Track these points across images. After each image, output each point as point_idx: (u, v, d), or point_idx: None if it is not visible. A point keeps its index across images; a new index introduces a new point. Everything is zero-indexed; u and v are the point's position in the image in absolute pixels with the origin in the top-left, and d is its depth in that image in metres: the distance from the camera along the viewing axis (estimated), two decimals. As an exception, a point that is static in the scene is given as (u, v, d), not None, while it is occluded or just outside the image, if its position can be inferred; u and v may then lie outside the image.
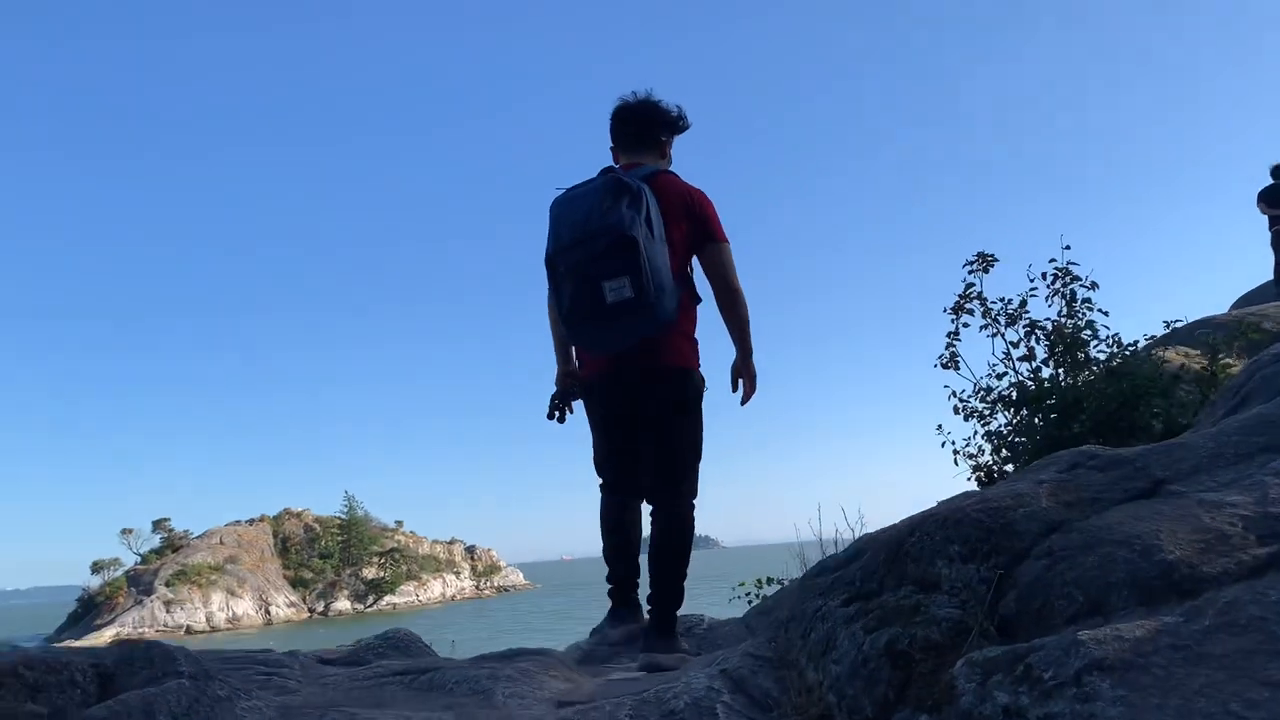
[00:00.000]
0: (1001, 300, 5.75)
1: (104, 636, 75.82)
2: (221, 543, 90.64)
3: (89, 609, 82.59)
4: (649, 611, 3.23)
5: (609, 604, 3.37)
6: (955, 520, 2.08)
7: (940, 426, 5.97)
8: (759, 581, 6.44)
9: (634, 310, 2.87)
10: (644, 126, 3.36)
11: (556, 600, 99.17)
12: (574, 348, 3.39)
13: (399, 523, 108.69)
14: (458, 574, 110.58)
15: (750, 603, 6.74)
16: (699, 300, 3.28)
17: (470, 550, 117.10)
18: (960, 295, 5.86)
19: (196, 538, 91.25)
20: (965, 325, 5.84)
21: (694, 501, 3.30)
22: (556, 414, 3.34)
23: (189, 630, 78.78)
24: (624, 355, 3.11)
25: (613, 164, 3.36)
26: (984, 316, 5.77)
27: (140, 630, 76.98)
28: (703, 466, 3.27)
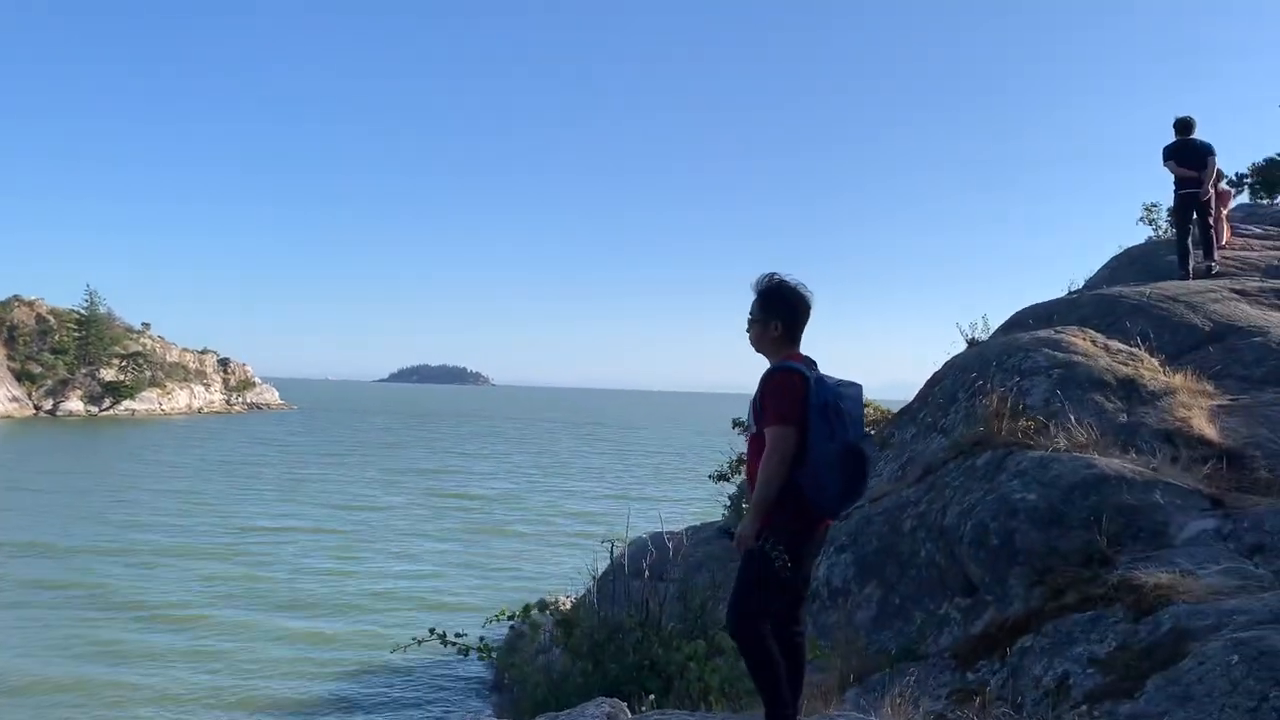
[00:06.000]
0: None
1: None
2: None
3: None
4: None
5: None
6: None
7: None
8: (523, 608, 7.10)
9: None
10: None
11: (315, 418, 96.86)
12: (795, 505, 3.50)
13: (146, 325, 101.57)
14: (207, 386, 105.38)
15: (512, 625, 6.60)
16: None
17: (224, 363, 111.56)
18: None
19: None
20: None
21: None
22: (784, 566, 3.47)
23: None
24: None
25: (796, 351, 3.61)
26: None
27: None
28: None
